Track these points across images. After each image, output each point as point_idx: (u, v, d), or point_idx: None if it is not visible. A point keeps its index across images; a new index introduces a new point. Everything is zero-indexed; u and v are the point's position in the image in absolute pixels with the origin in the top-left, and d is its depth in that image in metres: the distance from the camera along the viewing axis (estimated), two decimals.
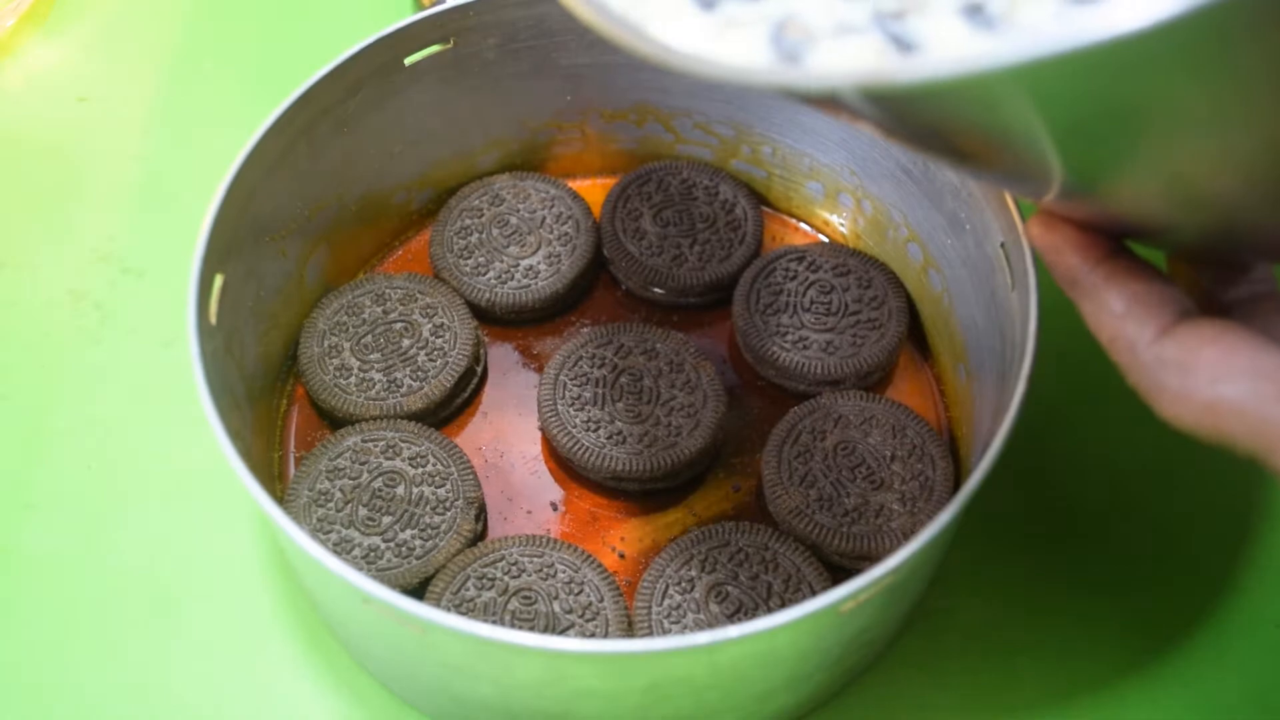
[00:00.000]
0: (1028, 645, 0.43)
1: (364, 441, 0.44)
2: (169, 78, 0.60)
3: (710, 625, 0.40)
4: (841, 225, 0.52)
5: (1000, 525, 0.45)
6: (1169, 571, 0.45)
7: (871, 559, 0.42)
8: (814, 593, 0.41)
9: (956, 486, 0.44)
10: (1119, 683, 0.42)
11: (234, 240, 0.41)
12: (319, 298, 0.48)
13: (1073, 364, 0.44)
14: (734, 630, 0.31)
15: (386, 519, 0.43)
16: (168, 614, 0.44)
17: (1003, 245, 0.41)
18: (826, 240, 0.53)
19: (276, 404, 0.47)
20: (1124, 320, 0.29)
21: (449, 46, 0.47)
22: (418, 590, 0.42)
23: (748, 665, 0.34)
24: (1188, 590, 0.45)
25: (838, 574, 0.42)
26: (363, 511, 0.43)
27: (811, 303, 0.48)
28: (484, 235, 0.51)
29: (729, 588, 0.41)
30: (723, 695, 0.36)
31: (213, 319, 0.39)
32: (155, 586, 0.44)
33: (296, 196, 0.46)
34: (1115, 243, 0.30)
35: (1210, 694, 0.42)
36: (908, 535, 0.42)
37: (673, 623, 0.41)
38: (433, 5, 0.47)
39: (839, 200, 0.51)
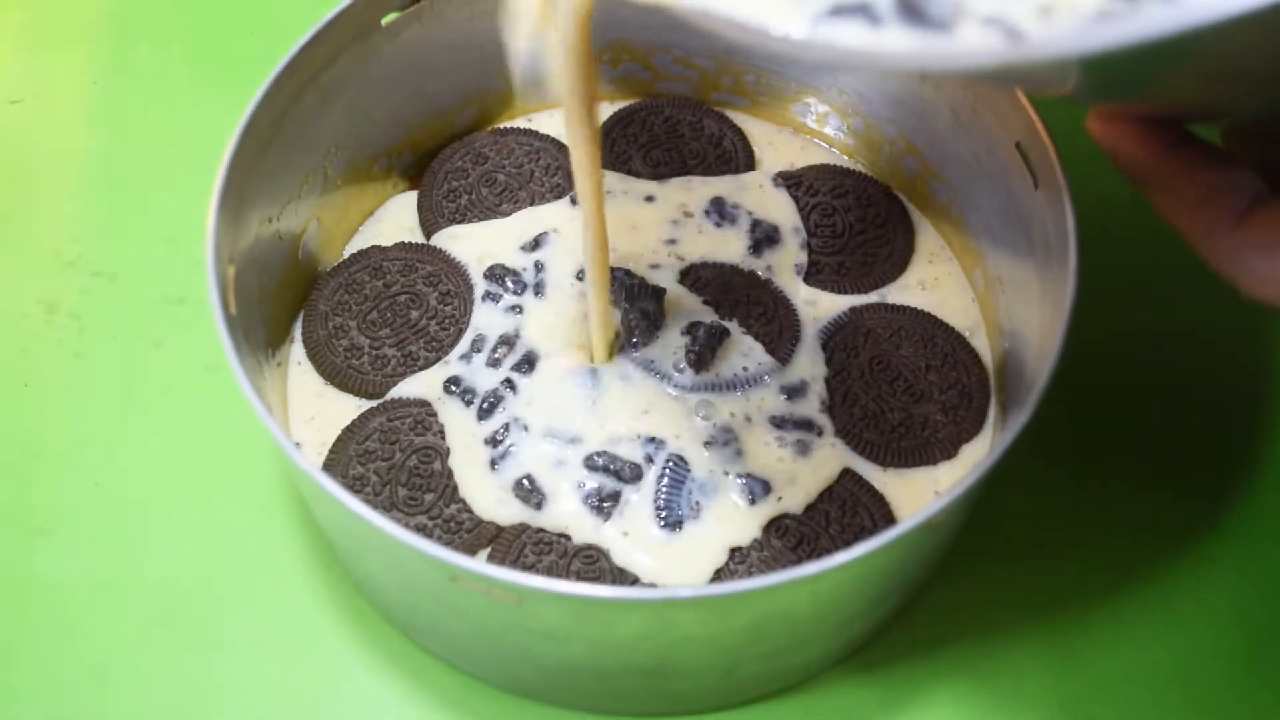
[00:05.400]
0: (1082, 539, 0.43)
1: (390, 420, 0.43)
2: (105, 68, 0.56)
3: (776, 561, 0.40)
4: (832, 147, 0.51)
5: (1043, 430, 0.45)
6: (1222, 468, 0.45)
7: None
8: (871, 515, 0.41)
9: (989, 388, 0.44)
10: (1174, 561, 0.43)
11: (238, 226, 0.39)
12: (313, 279, 0.46)
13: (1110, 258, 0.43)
14: (841, 556, 0.30)
15: (429, 496, 0.41)
16: (207, 628, 0.41)
17: (1018, 145, 0.41)
18: (822, 160, 0.52)
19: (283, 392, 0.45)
20: (1200, 209, 0.29)
21: (422, 3, 0.45)
22: None
23: (844, 591, 0.34)
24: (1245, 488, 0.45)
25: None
26: (403, 492, 0.41)
27: (816, 227, 0.48)
28: (474, 196, 0.49)
29: (786, 521, 0.41)
30: (815, 625, 0.35)
31: (233, 309, 0.37)
32: (189, 600, 0.42)
33: (287, 173, 0.43)
34: (1178, 130, 0.30)
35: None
36: (956, 445, 0.42)
37: (737, 564, 0.40)
38: None
39: (828, 121, 0.51)
